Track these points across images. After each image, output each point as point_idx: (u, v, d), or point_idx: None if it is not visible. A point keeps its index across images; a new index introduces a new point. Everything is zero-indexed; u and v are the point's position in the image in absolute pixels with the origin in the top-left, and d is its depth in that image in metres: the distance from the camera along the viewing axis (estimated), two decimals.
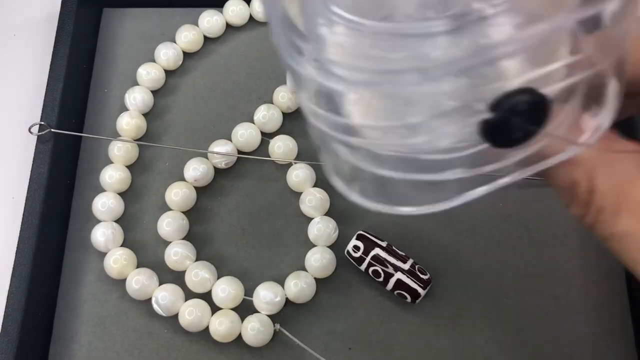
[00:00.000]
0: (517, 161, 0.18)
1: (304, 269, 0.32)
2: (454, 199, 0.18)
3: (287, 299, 0.31)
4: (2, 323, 0.30)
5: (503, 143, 0.18)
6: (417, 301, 0.31)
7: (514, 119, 0.17)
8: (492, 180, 0.18)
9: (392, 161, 0.19)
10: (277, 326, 0.31)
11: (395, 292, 0.31)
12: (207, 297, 0.31)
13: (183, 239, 0.33)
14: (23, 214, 0.32)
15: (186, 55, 0.37)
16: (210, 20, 0.37)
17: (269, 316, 0.31)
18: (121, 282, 0.32)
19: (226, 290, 0.31)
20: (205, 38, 0.37)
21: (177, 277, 0.32)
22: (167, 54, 0.36)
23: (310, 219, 0.33)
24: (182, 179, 0.34)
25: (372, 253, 0.31)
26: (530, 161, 0.19)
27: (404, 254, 0.31)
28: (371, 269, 0.31)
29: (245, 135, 0.34)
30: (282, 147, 0.34)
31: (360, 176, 0.19)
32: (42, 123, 0.33)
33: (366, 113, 0.18)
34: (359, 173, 0.19)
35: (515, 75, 0.16)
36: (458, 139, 0.18)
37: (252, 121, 0.35)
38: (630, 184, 0.18)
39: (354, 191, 0.20)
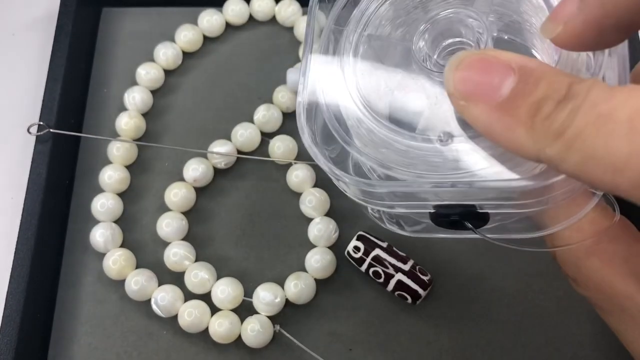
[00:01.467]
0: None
1: (304, 270, 0.32)
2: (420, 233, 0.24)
3: (287, 299, 0.31)
4: (1, 324, 0.30)
5: (446, 227, 0.22)
6: (418, 302, 0.31)
7: (450, 220, 0.22)
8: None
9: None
10: (277, 327, 0.31)
11: (396, 293, 0.31)
12: (206, 298, 0.31)
13: (182, 239, 0.33)
14: (22, 215, 0.32)
15: (185, 54, 0.37)
16: (210, 20, 0.37)
17: (269, 317, 0.31)
18: (120, 283, 0.32)
19: (226, 291, 0.31)
20: (205, 37, 0.37)
21: (176, 278, 0.32)
22: (167, 54, 0.36)
23: (310, 220, 0.33)
24: (182, 179, 0.33)
25: (373, 254, 0.31)
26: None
27: (404, 254, 0.31)
28: (371, 269, 0.31)
29: (245, 135, 0.34)
30: (282, 147, 0.34)
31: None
32: (41, 123, 0.33)
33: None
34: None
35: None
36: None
37: (251, 121, 0.35)
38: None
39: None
